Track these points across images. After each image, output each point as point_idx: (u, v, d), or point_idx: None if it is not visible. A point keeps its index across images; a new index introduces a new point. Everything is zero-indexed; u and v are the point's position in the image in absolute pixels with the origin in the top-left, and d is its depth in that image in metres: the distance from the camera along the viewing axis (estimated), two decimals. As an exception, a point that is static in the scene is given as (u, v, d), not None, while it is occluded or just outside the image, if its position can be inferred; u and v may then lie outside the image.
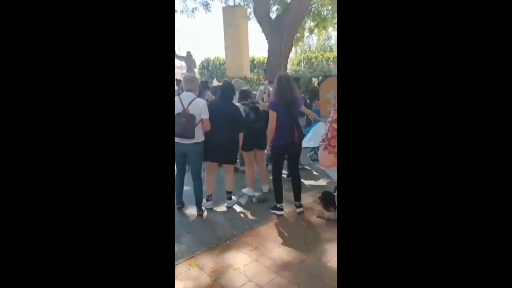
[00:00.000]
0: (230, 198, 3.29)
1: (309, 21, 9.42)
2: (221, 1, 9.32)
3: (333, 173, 3.94)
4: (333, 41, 28.83)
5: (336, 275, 2.09)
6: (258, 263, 2.27)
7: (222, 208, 3.24)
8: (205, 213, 3.14)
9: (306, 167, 4.43)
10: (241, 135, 3.13)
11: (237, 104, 3.34)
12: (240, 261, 2.30)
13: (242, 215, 3.08)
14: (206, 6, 8.03)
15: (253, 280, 2.08)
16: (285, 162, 3.21)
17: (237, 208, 3.24)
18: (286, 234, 2.70)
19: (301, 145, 3.06)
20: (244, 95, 3.50)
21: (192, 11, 8.28)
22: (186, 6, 9.21)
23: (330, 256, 2.35)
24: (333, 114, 2.48)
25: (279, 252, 2.42)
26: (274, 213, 3.03)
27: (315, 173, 4.31)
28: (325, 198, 3.04)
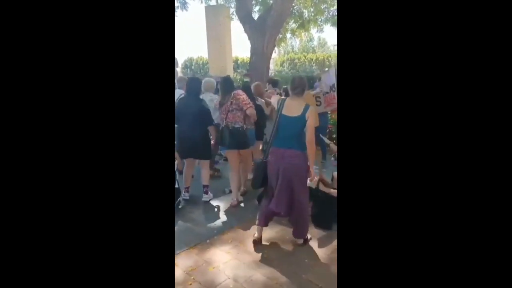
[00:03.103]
0: (206, 192, 3.37)
1: (291, 22, 9.50)
2: (201, 1, 9.25)
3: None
4: (316, 42, 29.27)
5: (313, 270, 2.14)
6: (237, 261, 2.29)
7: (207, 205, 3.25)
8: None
9: None
10: (212, 129, 3.25)
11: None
12: (220, 259, 2.32)
13: (222, 214, 3.09)
14: (184, 5, 7.94)
15: (232, 277, 2.10)
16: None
17: (219, 206, 3.25)
18: (265, 231, 2.73)
19: None
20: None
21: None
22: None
23: (309, 253, 2.40)
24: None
25: (259, 249, 2.45)
26: None
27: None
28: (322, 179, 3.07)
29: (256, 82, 4.31)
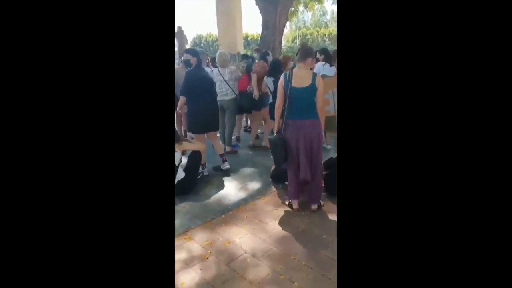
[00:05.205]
0: (225, 160, 3.39)
1: (304, -6, 9.08)
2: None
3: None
4: (329, 16, 28.13)
5: (332, 246, 2.09)
6: (253, 236, 2.25)
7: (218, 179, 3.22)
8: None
9: None
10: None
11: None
12: (236, 234, 2.28)
13: (237, 190, 3.05)
14: None
15: (249, 252, 2.07)
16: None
17: (233, 183, 3.20)
18: (281, 207, 2.68)
19: None
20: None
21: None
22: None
23: (327, 228, 2.34)
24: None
25: (275, 225, 2.40)
26: None
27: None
28: (329, 164, 2.96)
29: (285, 55, 4.44)
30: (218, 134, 3.56)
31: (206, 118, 3.15)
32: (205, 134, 3.35)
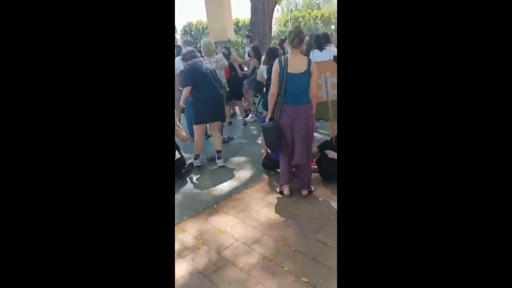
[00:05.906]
0: (220, 158, 3.36)
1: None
2: (198, -43, 8.59)
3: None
4: (321, -3, 27.47)
5: (322, 230, 2.12)
6: (245, 224, 2.29)
7: (209, 171, 3.24)
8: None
9: None
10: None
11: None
12: (227, 223, 2.32)
13: (229, 179, 3.07)
14: None
15: (240, 240, 2.10)
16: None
17: (224, 172, 3.22)
18: (272, 194, 2.71)
19: None
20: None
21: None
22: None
23: (317, 213, 2.37)
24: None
25: (266, 212, 2.44)
26: None
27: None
28: (323, 146, 2.92)
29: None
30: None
31: (212, 107, 3.11)
32: (207, 126, 3.39)
